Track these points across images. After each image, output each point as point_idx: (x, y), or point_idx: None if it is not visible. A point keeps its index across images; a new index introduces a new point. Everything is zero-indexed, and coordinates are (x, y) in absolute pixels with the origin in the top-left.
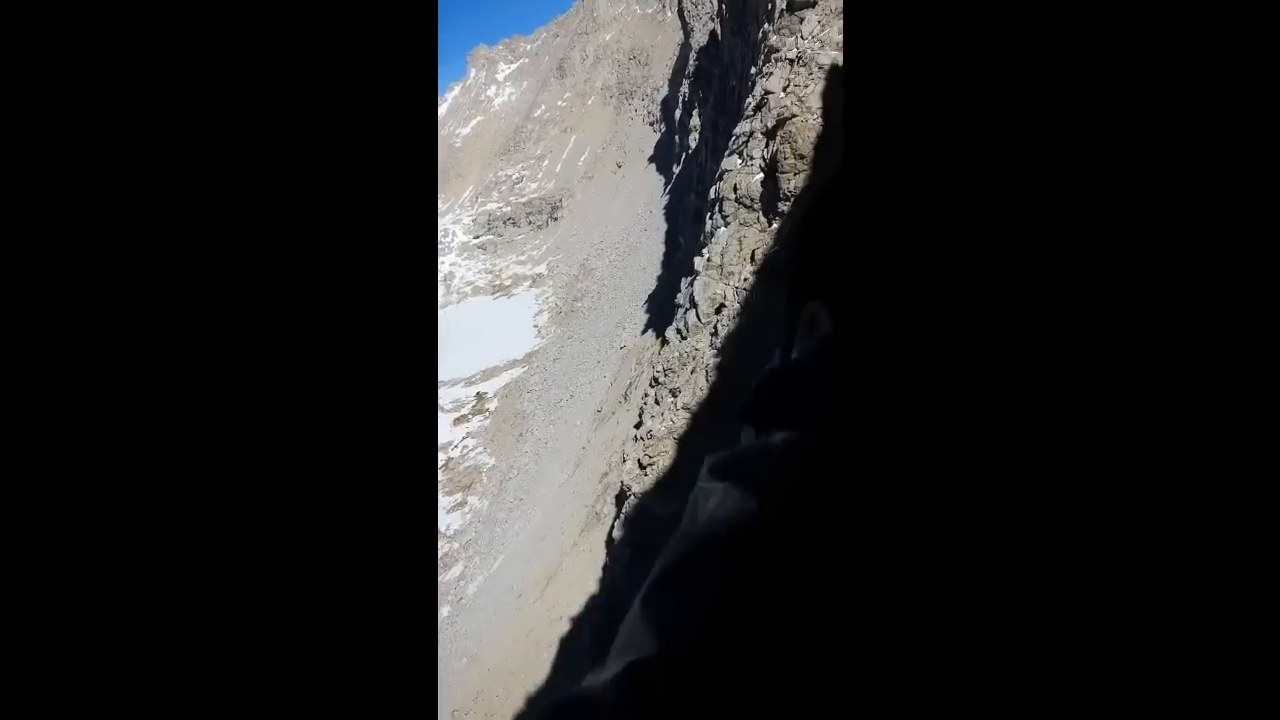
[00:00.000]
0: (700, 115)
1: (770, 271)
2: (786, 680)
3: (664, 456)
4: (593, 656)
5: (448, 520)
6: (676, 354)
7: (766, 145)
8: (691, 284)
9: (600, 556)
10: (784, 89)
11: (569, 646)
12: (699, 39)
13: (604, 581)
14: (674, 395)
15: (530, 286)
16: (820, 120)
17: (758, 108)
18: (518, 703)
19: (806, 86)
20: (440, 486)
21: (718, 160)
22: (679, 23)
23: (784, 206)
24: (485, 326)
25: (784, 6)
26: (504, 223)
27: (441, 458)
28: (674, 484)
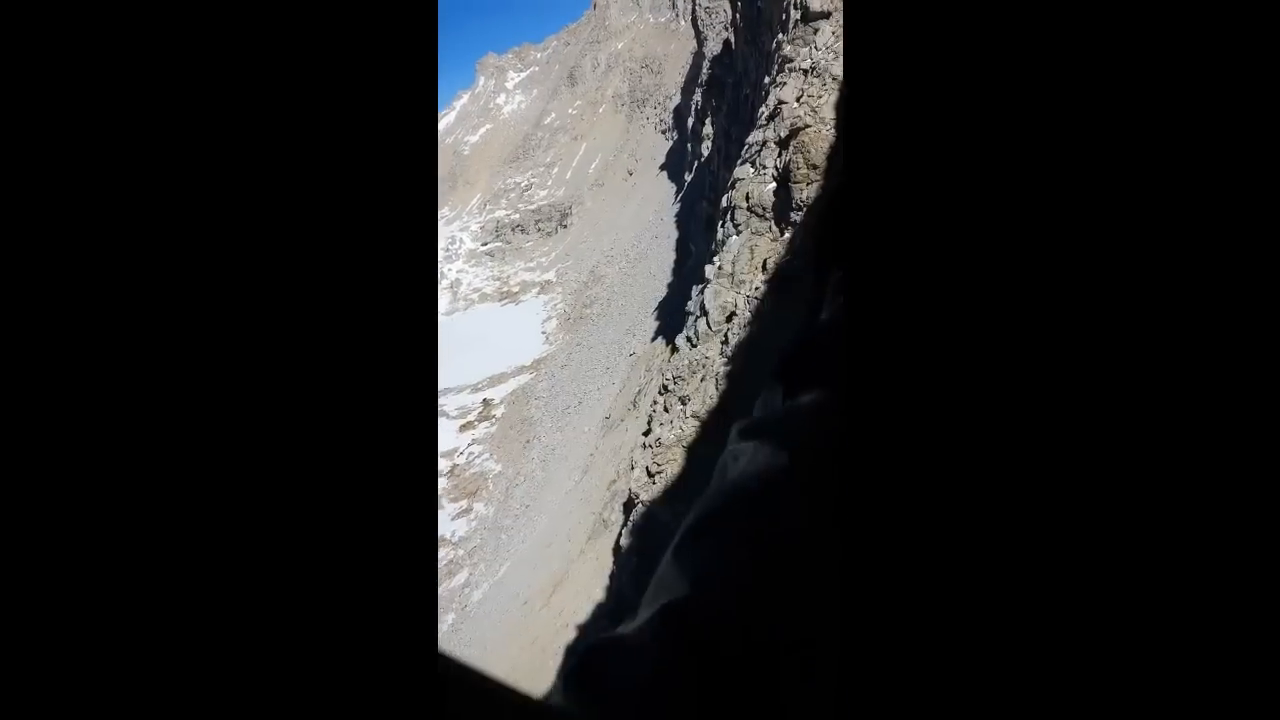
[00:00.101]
0: (713, 124)
1: (782, 280)
2: (818, 624)
3: (673, 465)
4: None
5: (453, 527)
6: (686, 362)
7: (779, 155)
8: (702, 292)
9: (607, 564)
10: (797, 99)
11: None
12: (712, 48)
13: (611, 589)
14: (683, 403)
15: (539, 293)
16: (833, 131)
17: (771, 117)
18: None
19: (820, 97)
20: (446, 493)
21: (730, 169)
22: (692, 31)
23: (796, 216)
24: (493, 333)
25: (798, 17)
26: (513, 230)
27: (447, 464)
28: (682, 492)
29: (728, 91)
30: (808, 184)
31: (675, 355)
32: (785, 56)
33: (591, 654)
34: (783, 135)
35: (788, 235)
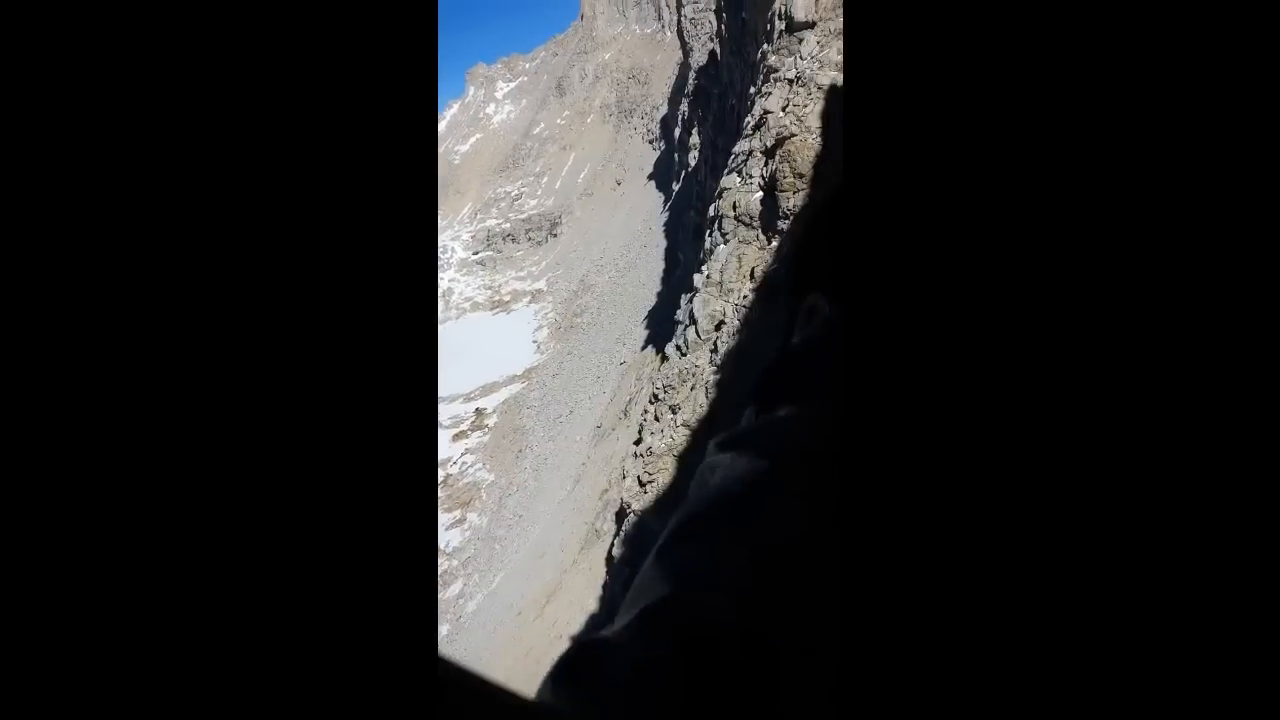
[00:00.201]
0: (699, 133)
1: (769, 289)
2: (812, 622)
3: (664, 474)
4: None
5: (447, 537)
6: (676, 370)
7: (765, 164)
8: (691, 301)
9: (600, 574)
10: (783, 108)
11: None
12: (698, 58)
13: (604, 599)
14: (674, 412)
15: (530, 302)
16: (819, 140)
17: (757, 127)
18: None
19: (805, 106)
20: (440, 503)
21: (717, 178)
22: (678, 42)
23: (783, 225)
24: (484, 342)
25: (783, 27)
26: (503, 239)
27: (440, 474)
28: (674, 501)
29: (714, 102)
30: (794, 193)
31: (665, 364)
32: (770, 66)
33: (577, 654)
34: (769, 145)
35: (775, 244)
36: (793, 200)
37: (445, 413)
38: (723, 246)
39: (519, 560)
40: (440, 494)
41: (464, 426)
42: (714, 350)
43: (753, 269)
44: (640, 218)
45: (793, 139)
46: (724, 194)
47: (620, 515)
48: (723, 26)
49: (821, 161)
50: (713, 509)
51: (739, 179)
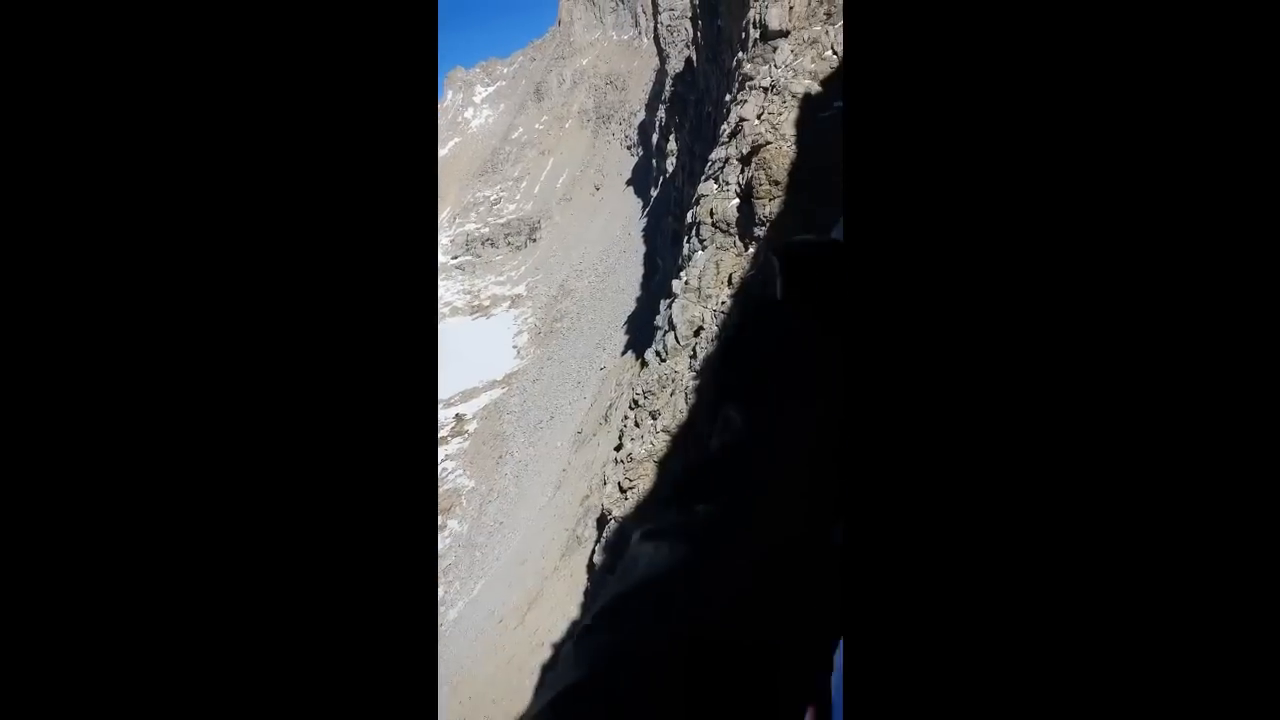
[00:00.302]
0: (677, 140)
1: (747, 295)
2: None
3: (644, 480)
4: None
5: None
6: (656, 376)
7: (742, 171)
8: (670, 306)
9: (581, 581)
10: (758, 116)
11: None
12: (675, 65)
13: (585, 606)
14: (654, 417)
15: (509, 307)
16: (794, 147)
17: (733, 134)
18: None
19: (780, 114)
20: None
21: (694, 184)
22: (655, 49)
23: (759, 231)
24: (464, 347)
25: (757, 36)
26: (482, 243)
27: None
28: (655, 509)
29: (690, 108)
30: (770, 199)
31: (645, 370)
32: (745, 74)
33: None
34: (745, 152)
35: (752, 250)
36: (769, 207)
37: None
38: (700, 253)
39: (500, 567)
40: None
41: (444, 433)
42: (693, 356)
43: (730, 275)
44: (619, 223)
45: (768, 146)
46: (701, 200)
47: (601, 521)
48: (699, 34)
49: (796, 169)
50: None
51: (716, 186)
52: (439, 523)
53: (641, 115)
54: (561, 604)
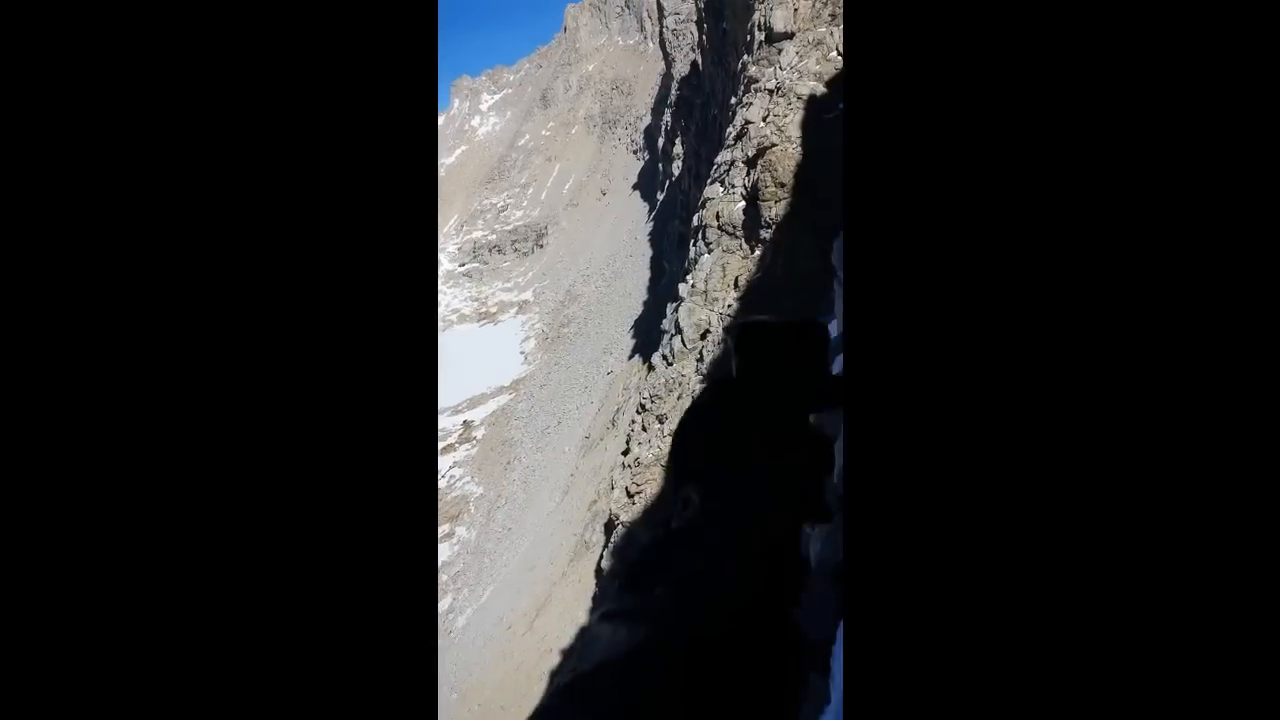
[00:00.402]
0: (683, 143)
1: (755, 298)
2: None
3: (652, 484)
4: None
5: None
6: (663, 380)
7: (747, 174)
8: (676, 310)
9: (590, 586)
10: (764, 118)
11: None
12: (680, 69)
13: (593, 612)
14: (661, 422)
15: (517, 313)
16: (799, 149)
17: (738, 137)
18: None
19: (786, 116)
20: None
21: (700, 187)
22: (660, 53)
23: (766, 234)
24: (472, 354)
25: (763, 38)
26: (490, 250)
27: None
28: (661, 514)
29: (696, 112)
30: (775, 202)
31: (652, 374)
32: (751, 77)
33: None
34: (750, 154)
35: (758, 253)
36: (775, 209)
37: None
38: (707, 256)
39: (508, 573)
40: None
41: (452, 439)
42: (700, 360)
43: (737, 278)
44: (625, 228)
45: (774, 149)
46: (707, 204)
47: (609, 527)
48: (704, 37)
49: (802, 171)
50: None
51: (722, 189)
52: (448, 529)
53: (647, 120)
54: (570, 610)
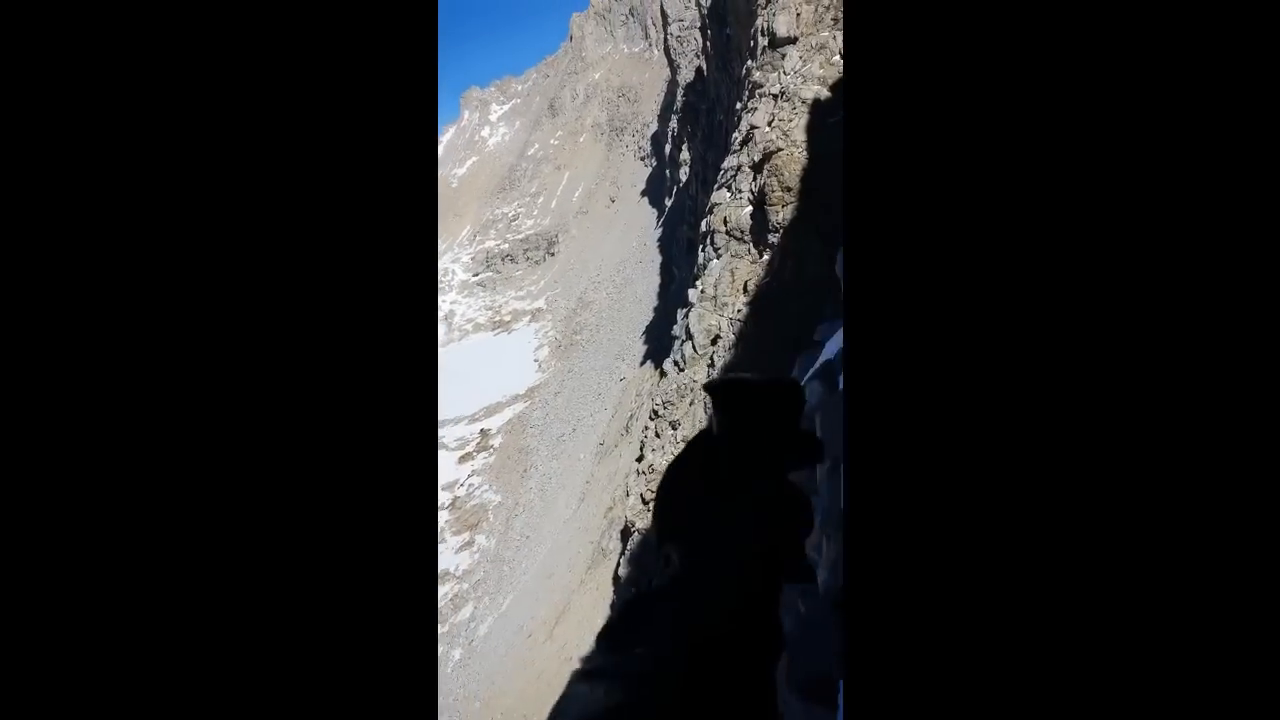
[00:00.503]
0: (689, 149)
1: (763, 302)
2: None
3: None
4: None
5: (456, 560)
6: (675, 386)
7: (754, 178)
8: (687, 316)
9: (608, 594)
10: (769, 123)
11: None
12: (685, 76)
13: (611, 619)
14: (674, 427)
15: (530, 321)
16: (805, 153)
17: (744, 142)
18: None
19: (791, 120)
20: (448, 526)
21: (708, 193)
22: (665, 60)
23: (774, 238)
24: (487, 363)
25: (766, 43)
26: (502, 259)
27: (448, 497)
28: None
29: (702, 117)
30: (783, 206)
31: (664, 380)
32: (755, 82)
33: None
34: (756, 159)
35: (766, 257)
36: (782, 213)
37: (450, 435)
38: (715, 261)
39: (528, 581)
40: (448, 517)
41: (469, 448)
42: (711, 365)
43: (746, 282)
44: (635, 234)
45: (779, 153)
46: (715, 209)
47: (625, 534)
48: (708, 43)
49: (808, 175)
50: None
51: (729, 194)
52: (468, 538)
53: (654, 126)
54: (589, 617)
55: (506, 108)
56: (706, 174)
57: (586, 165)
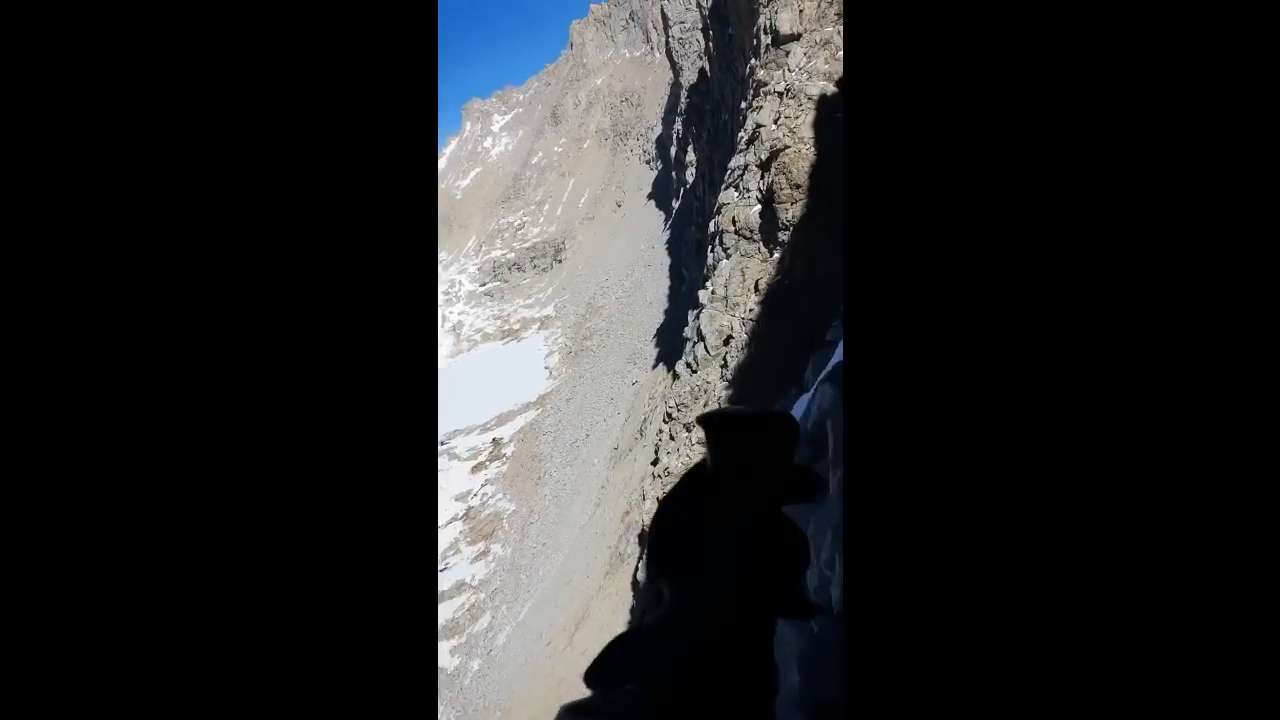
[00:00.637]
0: (695, 150)
1: (775, 301)
2: None
3: None
4: None
5: (472, 570)
6: (688, 388)
7: (761, 177)
8: (698, 317)
9: (627, 598)
10: (775, 121)
11: None
12: (688, 77)
13: (632, 624)
14: (688, 430)
15: (539, 329)
16: (813, 150)
17: (750, 141)
18: None
19: (797, 118)
20: (463, 536)
21: (715, 193)
22: (668, 63)
23: (783, 236)
24: (497, 372)
25: (769, 41)
26: (509, 268)
27: (463, 507)
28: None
29: (707, 118)
30: (792, 204)
31: (676, 382)
32: (759, 80)
33: None
34: (763, 158)
35: (776, 255)
36: (791, 211)
37: (463, 445)
38: (725, 261)
39: (545, 589)
40: (463, 527)
41: (482, 458)
42: (724, 365)
43: (756, 282)
44: (643, 238)
45: (786, 151)
46: (723, 209)
47: (643, 537)
48: (710, 44)
49: (816, 171)
50: None
51: (736, 193)
52: (483, 547)
53: (658, 129)
54: (608, 623)
55: (508, 117)
56: (713, 174)
57: (591, 171)
